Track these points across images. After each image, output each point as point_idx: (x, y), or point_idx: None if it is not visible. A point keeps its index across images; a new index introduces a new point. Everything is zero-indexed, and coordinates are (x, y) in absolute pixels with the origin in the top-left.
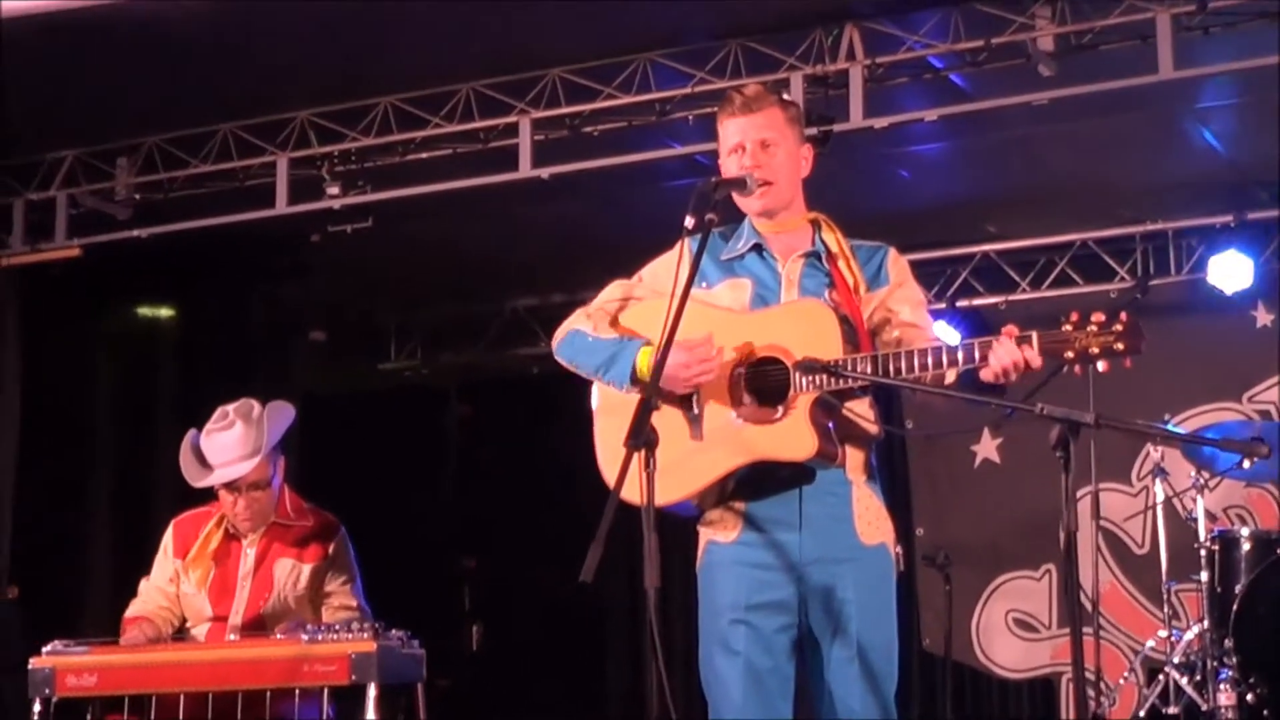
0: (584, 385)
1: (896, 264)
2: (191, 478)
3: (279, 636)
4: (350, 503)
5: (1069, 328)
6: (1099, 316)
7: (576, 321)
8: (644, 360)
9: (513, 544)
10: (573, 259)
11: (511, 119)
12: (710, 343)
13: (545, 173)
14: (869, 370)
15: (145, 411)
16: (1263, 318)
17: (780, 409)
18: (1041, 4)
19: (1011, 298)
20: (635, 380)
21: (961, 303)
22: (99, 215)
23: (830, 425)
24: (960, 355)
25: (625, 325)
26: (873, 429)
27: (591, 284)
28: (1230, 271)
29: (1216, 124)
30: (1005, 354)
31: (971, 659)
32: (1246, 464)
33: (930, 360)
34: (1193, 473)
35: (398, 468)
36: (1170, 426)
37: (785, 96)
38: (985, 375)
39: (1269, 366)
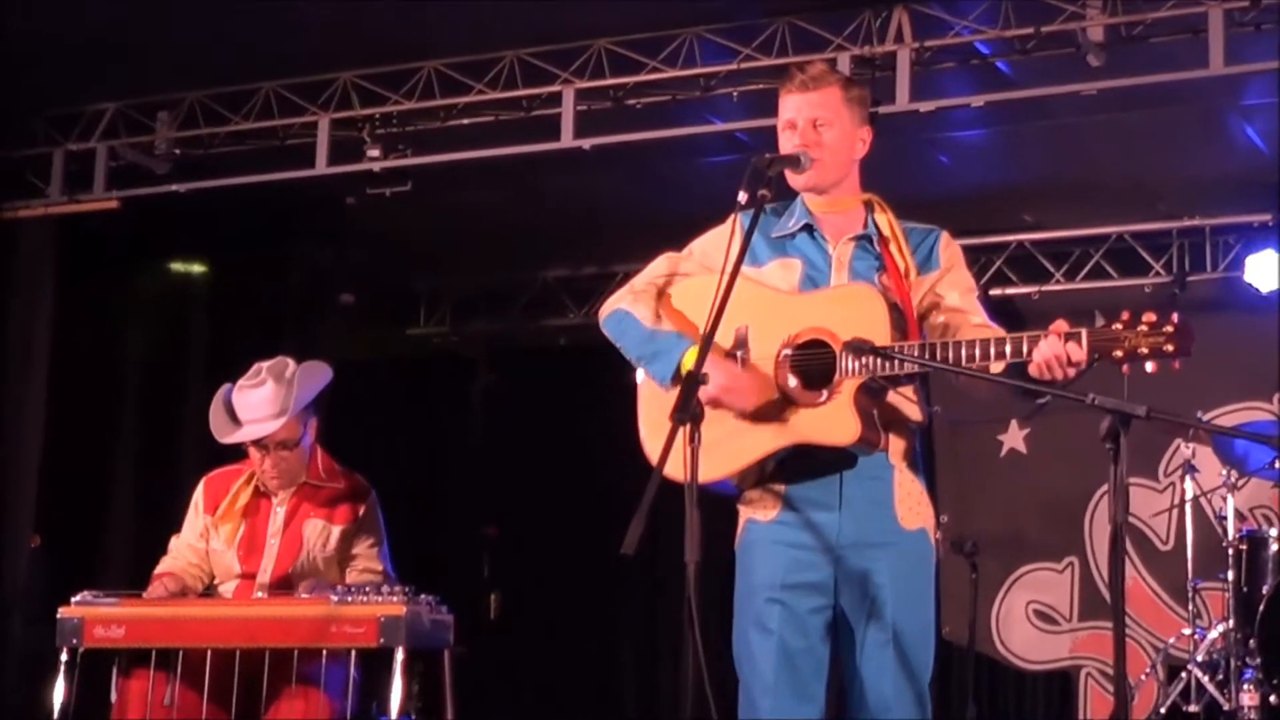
0: (611, 360)
1: (948, 248)
2: (219, 433)
3: (303, 595)
4: (373, 467)
5: (1119, 326)
6: (1150, 317)
7: (626, 300)
8: (689, 363)
9: (535, 514)
10: (608, 232)
11: (555, 88)
12: (748, 396)
13: (586, 143)
14: (915, 357)
15: (175, 367)
16: None
17: (824, 393)
18: None
19: (1045, 288)
20: (675, 381)
21: (995, 291)
22: (138, 169)
23: (874, 411)
24: (1008, 348)
25: (674, 302)
26: (918, 415)
27: (625, 258)
28: (1267, 271)
29: (1261, 122)
30: (1051, 351)
31: (990, 649)
32: (1279, 464)
33: (977, 352)
34: (1223, 471)
35: (423, 433)
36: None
37: (851, 76)
38: (1031, 370)
39: None
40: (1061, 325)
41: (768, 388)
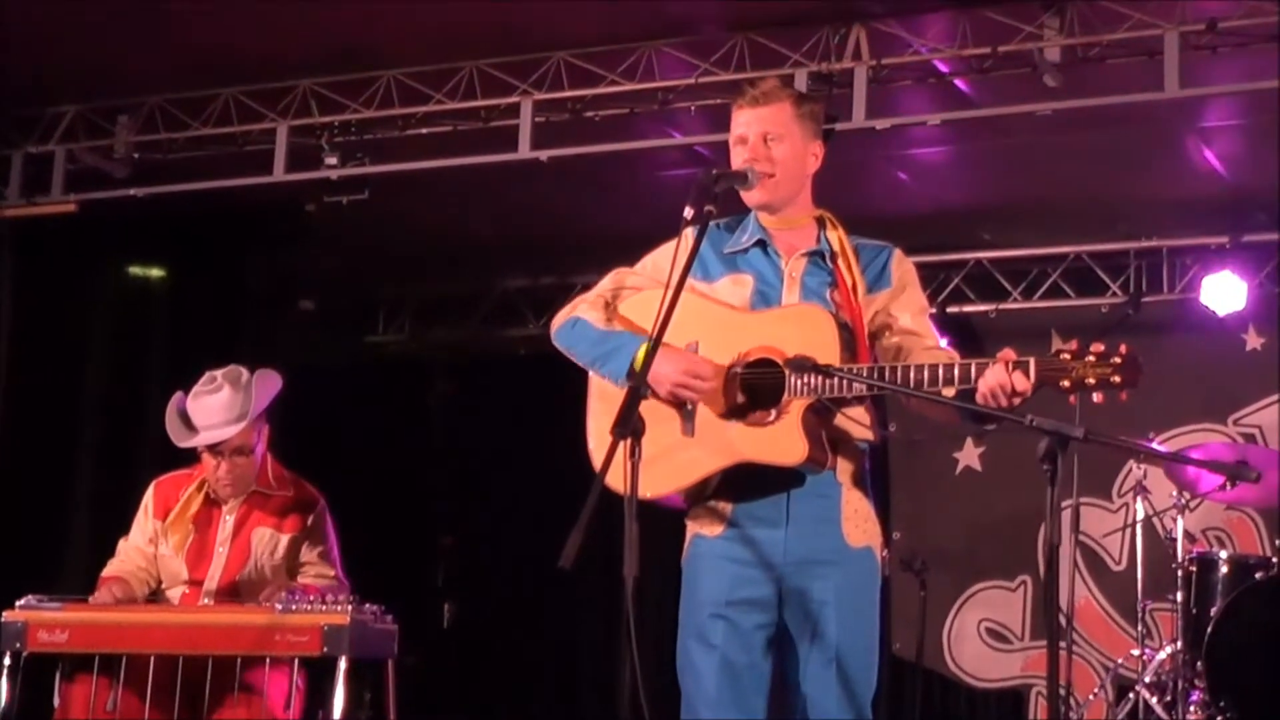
0: (569, 371)
1: (900, 266)
2: (177, 438)
3: (264, 604)
4: (330, 474)
5: (1067, 356)
6: (1098, 347)
7: (578, 309)
8: (642, 357)
9: (490, 524)
10: (567, 243)
11: (514, 99)
12: (709, 372)
13: (544, 155)
14: (860, 382)
15: (133, 371)
16: (1253, 341)
17: (773, 412)
18: (1050, 14)
19: (1002, 306)
20: (631, 376)
21: (952, 309)
22: (96, 172)
23: (822, 432)
24: (956, 374)
25: (624, 314)
26: (869, 435)
27: (584, 269)
28: (1223, 293)
29: (1218, 144)
30: (996, 380)
31: (941, 666)
32: (1229, 487)
33: (925, 376)
34: (1174, 492)
35: (380, 441)
36: (1154, 445)
37: (804, 91)
38: (977, 398)
39: (1256, 390)
40: (1009, 354)
41: (708, 417)
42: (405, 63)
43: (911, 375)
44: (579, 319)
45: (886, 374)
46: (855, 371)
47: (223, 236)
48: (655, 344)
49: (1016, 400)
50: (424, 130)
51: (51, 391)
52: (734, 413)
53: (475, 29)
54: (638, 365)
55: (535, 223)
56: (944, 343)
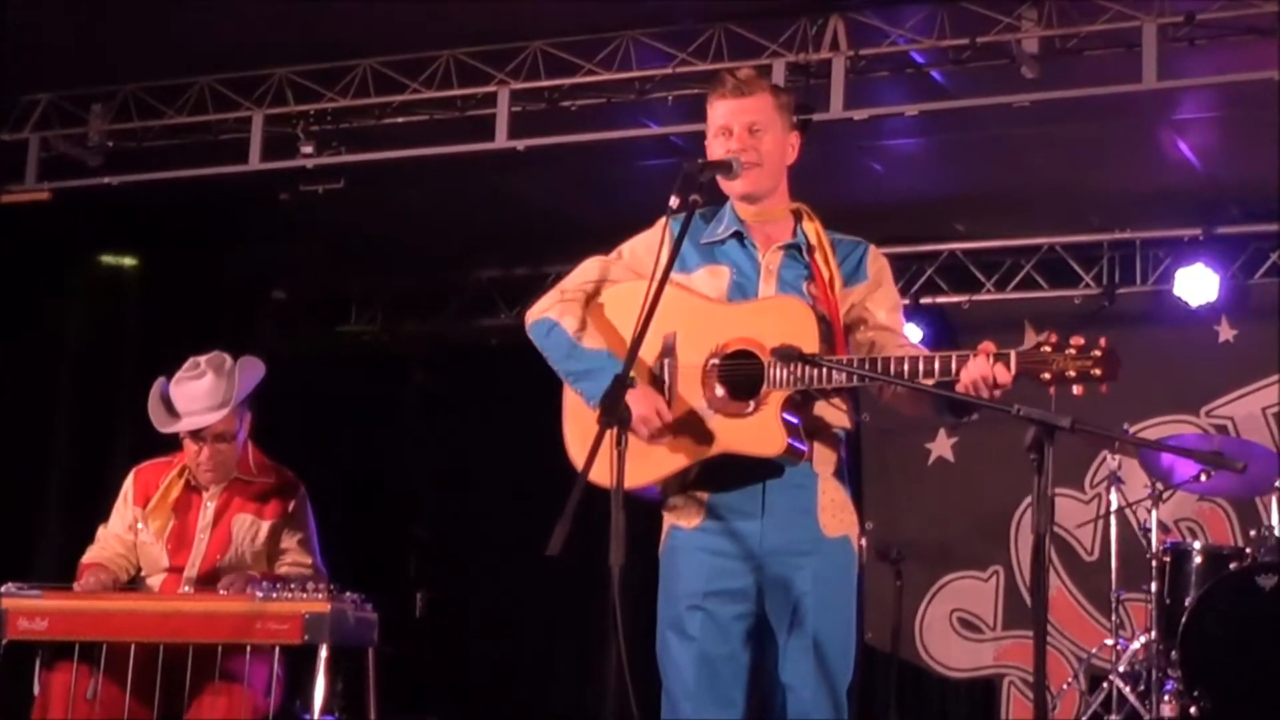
0: (542, 362)
1: (876, 262)
2: (159, 423)
3: (222, 591)
4: (301, 464)
5: (1047, 349)
6: (1078, 340)
7: (555, 309)
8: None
9: (464, 513)
10: (541, 233)
11: (490, 89)
12: (667, 420)
13: (521, 144)
14: (843, 372)
15: (107, 359)
16: (1225, 333)
17: (751, 404)
18: (1028, 6)
19: (975, 297)
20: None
21: (925, 300)
22: (70, 160)
23: (799, 423)
24: (936, 367)
25: (604, 308)
26: (846, 423)
27: (559, 259)
28: (1196, 285)
29: (1193, 137)
30: (978, 372)
31: (914, 656)
32: (1204, 477)
33: (905, 369)
34: (1148, 483)
35: (353, 432)
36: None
37: (779, 84)
38: (958, 389)
39: (1228, 381)
40: (989, 347)
41: (686, 409)
42: (382, 51)
43: (892, 367)
44: (556, 323)
45: (866, 366)
46: (839, 363)
47: (197, 225)
48: (637, 343)
49: (998, 392)
50: (400, 119)
51: (26, 379)
52: (712, 404)
53: (451, 18)
54: None
55: (510, 212)
56: (917, 339)
